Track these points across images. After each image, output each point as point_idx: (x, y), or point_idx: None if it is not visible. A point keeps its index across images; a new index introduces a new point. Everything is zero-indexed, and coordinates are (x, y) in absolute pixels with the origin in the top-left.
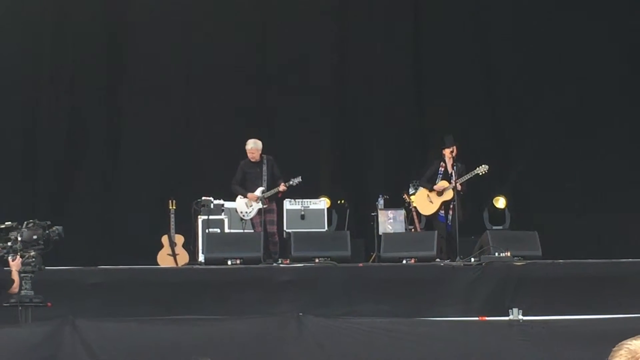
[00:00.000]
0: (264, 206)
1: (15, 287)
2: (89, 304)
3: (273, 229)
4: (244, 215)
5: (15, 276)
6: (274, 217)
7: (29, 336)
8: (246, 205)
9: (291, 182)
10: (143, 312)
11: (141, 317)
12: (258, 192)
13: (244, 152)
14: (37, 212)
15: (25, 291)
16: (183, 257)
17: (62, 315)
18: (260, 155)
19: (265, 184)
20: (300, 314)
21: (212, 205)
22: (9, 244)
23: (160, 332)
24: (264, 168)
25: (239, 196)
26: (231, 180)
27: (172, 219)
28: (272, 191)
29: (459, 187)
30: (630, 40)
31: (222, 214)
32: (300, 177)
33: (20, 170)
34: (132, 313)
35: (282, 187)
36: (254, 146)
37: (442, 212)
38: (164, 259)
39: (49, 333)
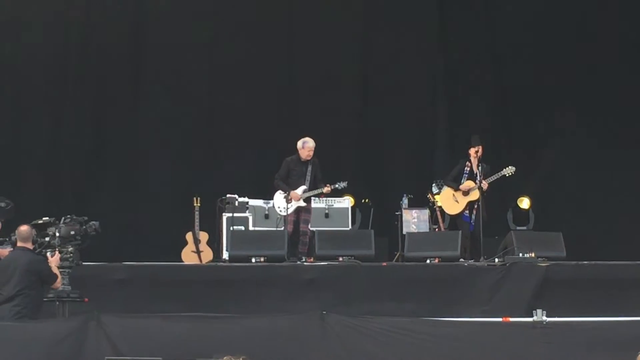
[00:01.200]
0: (305, 204)
1: (58, 283)
2: (114, 300)
3: (306, 228)
4: (281, 211)
5: (56, 271)
6: (309, 217)
7: (55, 331)
8: (286, 201)
9: (337, 186)
10: (167, 309)
11: (165, 314)
12: (299, 190)
13: (269, 150)
14: (61, 209)
15: (63, 286)
16: (207, 255)
17: (87, 311)
18: None
19: (308, 184)
20: (324, 312)
21: (236, 203)
22: (47, 239)
23: (183, 329)
24: (310, 168)
25: (279, 191)
26: (274, 175)
27: (197, 216)
28: (315, 191)
29: (485, 187)
30: None
31: (247, 211)
32: (346, 181)
33: (44, 167)
34: (156, 309)
35: (326, 189)
36: (312, 145)
37: (467, 212)
38: (189, 256)
39: (75, 328)
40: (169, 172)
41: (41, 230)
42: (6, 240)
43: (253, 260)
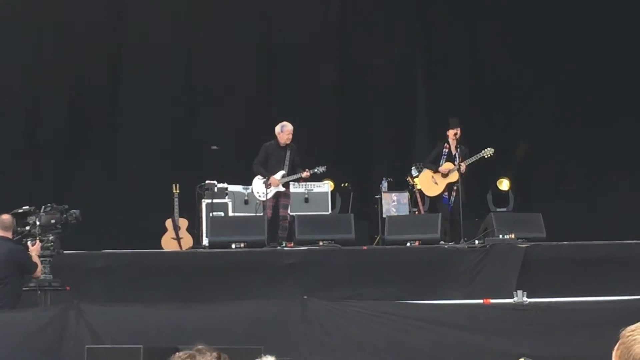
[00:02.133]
0: (284, 189)
1: (39, 272)
2: (93, 288)
3: (286, 213)
4: (260, 196)
5: (37, 260)
6: (289, 202)
7: (35, 320)
8: (264, 186)
9: (316, 170)
10: (147, 296)
11: (145, 302)
12: (278, 175)
13: (247, 136)
14: (41, 198)
15: (44, 275)
16: (187, 241)
17: (66, 300)
18: None
19: (286, 168)
20: (305, 297)
21: (215, 189)
22: (28, 228)
23: (164, 316)
24: (288, 153)
25: (258, 177)
26: (253, 161)
27: (176, 203)
28: (294, 176)
29: (462, 169)
30: None
31: (226, 197)
32: (325, 166)
33: (23, 156)
34: (137, 297)
35: (305, 174)
36: (291, 129)
37: (446, 194)
38: (168, 243)
39: (54, 317)
40: (147, 159)
41: (21, 219)
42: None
43: (233, 246)
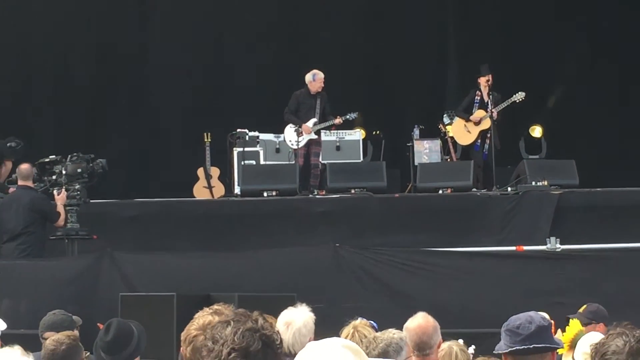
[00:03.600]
0: (316, 136)
1: (61, 221)
2: (126, 237)
3: (317, 161)
4: (292, 144)
5: (61, 209)
6: (320, 150)
7: (68, 269)
8: (297, 134)
9: (348, 117)
10: (179, 245)
11: (177, 250)
12: (310, 123)
13: (280, 83)
14: (72, 147)
15: (71, 224)
16: (219, 190)
17: (99, 249)
18: None
19: (318, 116)
20: (337, 244)
21: (247, 137)
22: (54, 177)
23: (197, 264)
24: (319, 101)
25: (290, 125)
26: (284, 109)
27: (208, 152)
28: (326, 123)
29: (495, 116)
30: None
31: (257, 145)
32: (357, 112)
33: (54, 104)
34: (168, 245)
35: (337, 120)
36: (322, 77)
37: (479, 142)
38: (200, 192)
39: (88, 266)
40: (179, 108)
41: (48, 168)
42: (44, 179)
43: (265, 194)
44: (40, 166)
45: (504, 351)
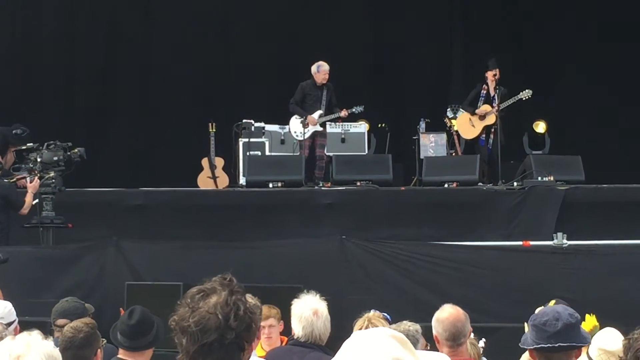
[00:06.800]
0: (321, 128)
1: (25, 209)
2: (131, 226)
3: (322, 153)
4: (297, 136)
5: (29, 197)
6: (325, 141)
7: (74, 257)
8: (302, 126)
9: (354, 110)
10: (184, 234)
11: (180, 239)
12: (316, 115)
13: (286, 74)
14: (77, 135)
15: (46, 212)
16: (223, 180)
17: (105, 237)
18: None
19: (323, 108)
20: (343, 237)
21: (252, 128)
22: (30, 164)
23: (203, 254)
24: (325, 93)
25: (295, 116)
26: (289, 100)
27: (212, 142)
28: (332, 115)
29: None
30: None
31: (263, 136)
32: (363, 105)
33: (60, 92)
34: (172, 235)
35: (343, 113)
36: (327, 68)
37: (483, 136)
38: (204, 182)
39: (94, 253)
40: (184, 98)
41: (25, 155)
42: (22, 167)
43: (270, 185)
44: (17, 153)
45: (530, 347)
